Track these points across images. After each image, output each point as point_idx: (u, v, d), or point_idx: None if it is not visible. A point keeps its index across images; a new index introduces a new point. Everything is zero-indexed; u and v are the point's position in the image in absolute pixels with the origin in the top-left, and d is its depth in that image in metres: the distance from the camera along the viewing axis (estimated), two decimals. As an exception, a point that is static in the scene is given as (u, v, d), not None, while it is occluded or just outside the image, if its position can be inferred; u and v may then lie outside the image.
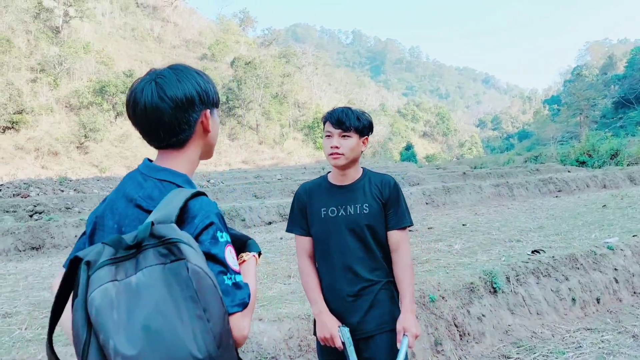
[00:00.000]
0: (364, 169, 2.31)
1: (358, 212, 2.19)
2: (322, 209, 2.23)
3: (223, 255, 1.16)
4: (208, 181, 21.07)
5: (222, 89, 55.83)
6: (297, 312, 3.51)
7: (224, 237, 1.19)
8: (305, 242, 2.32)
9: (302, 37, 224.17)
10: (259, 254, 1.45)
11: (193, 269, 1.04)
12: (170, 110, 1.26)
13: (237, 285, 1.16)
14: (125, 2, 69.29)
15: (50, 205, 12.74)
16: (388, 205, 2.23)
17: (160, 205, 1.18)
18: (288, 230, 2.36)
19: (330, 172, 2.34)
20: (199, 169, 39.54)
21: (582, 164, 27.36)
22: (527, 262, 5.02)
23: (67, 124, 42.03)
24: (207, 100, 1.33)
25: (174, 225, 1.11)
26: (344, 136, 2.15)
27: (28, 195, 15.64)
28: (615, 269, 5.42)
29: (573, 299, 4.92)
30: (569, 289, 4.95)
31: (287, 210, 9.29)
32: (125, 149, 43.97)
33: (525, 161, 35.03)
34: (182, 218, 1.18)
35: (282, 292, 4.76)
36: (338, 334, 2.14)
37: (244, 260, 1.37)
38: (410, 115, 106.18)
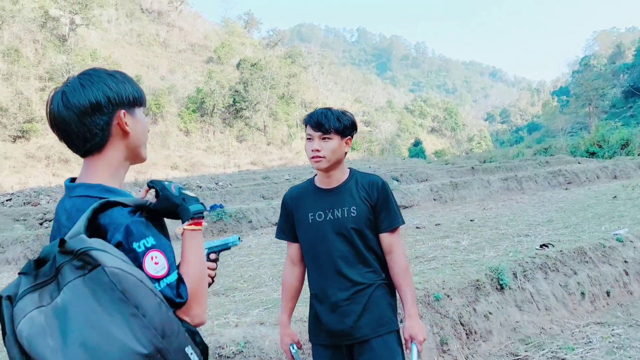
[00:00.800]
0: (351, 169, 2.27)
1: (345, 215, 2.14)
2: (310, 214, 2.19)
3: (142, 266, 1.15)
4: (217, 183, 21.09)
5: (229, 91, 55.97)
6: (300, 315, 3.48)
7: (141, 245, 1.16)
8: (292, 248, 2.31)
9: (307, 36, 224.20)
10: (196, 216, 1.28)
11: (112, 271, 1.02)
12: (76, 117, 1.25)
13: (170, 286, 1.16)
14: (131, 8, 69.67)
15: (60, 213, 12.81)
16: (378, 208, 2.17)
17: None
18: (277, 237, 2.35)
19: (316, 174, 2.29)
20: (209, 171, 39.65)
21: (593, 154, 27.08)
22: (534, 258, 4.96)
23: (76, 131, 42.24)
24: (120, 101, 1.30)
25: (83, 236, 1.08)
26: (325, 138, 2.10)
27: (38, 204, 15.78)
28: (626, 261, 5.33)
29: (582, 293, 4.85)
30: (578, 283, 4.88)
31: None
32: (134, 154, 44.15)
33: (535, 154, 34.72)
34: (99, 233, 1.16)
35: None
36: (289, 350, 2.21)
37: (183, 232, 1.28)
38: (417, 112, 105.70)
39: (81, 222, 1.13)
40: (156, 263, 1.17)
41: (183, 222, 1.28)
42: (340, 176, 2.21)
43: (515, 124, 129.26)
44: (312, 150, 2.11)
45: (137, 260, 1.14)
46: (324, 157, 2.10)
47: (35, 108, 39.17)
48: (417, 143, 68.60)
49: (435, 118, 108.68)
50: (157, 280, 1.15)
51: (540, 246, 6.23)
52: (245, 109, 57.64)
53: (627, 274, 5.24)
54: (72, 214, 1.23)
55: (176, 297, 1.16)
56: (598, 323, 4.45)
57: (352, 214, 2.13)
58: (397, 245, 2.18)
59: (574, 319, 4.59)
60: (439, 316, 3.90)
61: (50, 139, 38.76)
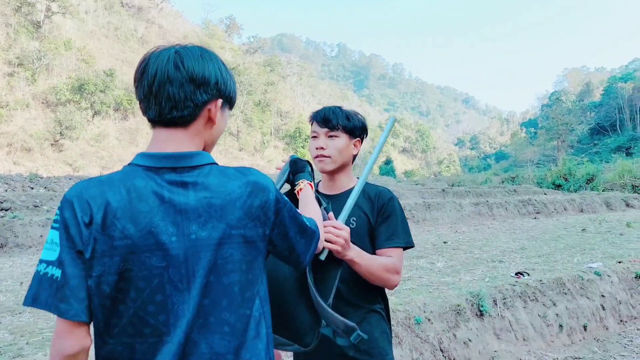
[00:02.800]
0: (359, 178, 1.94)
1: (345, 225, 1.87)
2: None
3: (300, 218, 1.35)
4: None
5: (204, 94, 55.36)
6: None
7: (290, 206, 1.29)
8: None
9: (287, 47, 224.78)
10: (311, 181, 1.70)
11: None
12: (181, 80, 1.14)
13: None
14: (110, 1, 68.41)
15: (18, 203, 12.20)
16: (378, 220, 1.87)
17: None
18: None
19: (320, 181, 2.05)
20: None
21: (559, 187, 27.67)
22: (514, 285, 4.83)
23: (42, 120, 40.99)
24: (223, 90, 1.22)
25: None
26: (331, 136, 1.87)
27: (-5, 191, 15.01)
28: (602, 296, 5.27)
29: (560, 325, 4.74)
30: (556, 314, 4.77)
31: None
32: (101, 149, 43.06)
33: (503, 182, 35.33)
34: (257, 188, 1.22)
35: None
36: None
37: (300, 189, 1.64)
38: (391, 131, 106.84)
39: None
40: (299, 213, 1.33)
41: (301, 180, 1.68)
42: (346, 182, 1.96)
43: (484, 151, 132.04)
44: (317, 149, 1.87)
45: (289, 213, 1.26)
46: (329, 157, 1.86)
47: (1, 93, 37.82)
48: (388, 162, 69.16)
49: (408, 139, 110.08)
50: (310, 220, 1.38)
51: (516, 274, 6.17)
52: (219, 113, 57.06)
53: (603, 308, 5.17)
54: (227, 172, 1.19)
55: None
56: (575, 358, 4.33)
57: (351, 224, 1.85)
58: (395, 264, 1.81)
59: (552, 351, 4.46)
60: (419, 340, 3.71)
61: (14, 126, 37.48)
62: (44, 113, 42.18)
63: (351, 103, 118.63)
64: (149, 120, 1.19)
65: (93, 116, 44.98)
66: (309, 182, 1.64)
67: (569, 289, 5.10)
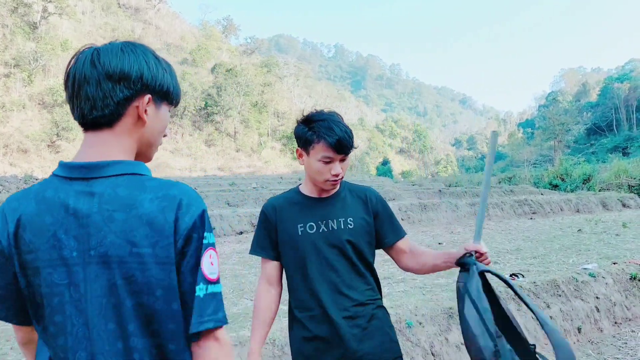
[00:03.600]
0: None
1: (342, 227, 1.89)
2: (299, 226, 1.91)
3: (199, 260, 1.07)
4: (181, 187, 20.49)
5: (202, 95, 55.30)
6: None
7: (208, 237, 1.11)
8: (270, 267, 1.99)
9: (284, 48, 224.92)
10: None
11: None
12: (97, 77, 1.06)
13: (214, 297, 1.09)
14: (107, 2, 68.29)
15: (11, 204, 12.13)
16: (379, 219, 1.98)
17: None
18: (252, 252, 2.02)
19: (300, 184, 2.04)
20: (174, 174, 38.80)
21: (555, 187, 27.65)
22: (507, 288, 4.78)
23: (39, 121, 40.86)
24: (152, 85, 1.11)
25: None
26: (343, 159, 1.88)
27: (-11, 193, 14.94)
28: (597, 297, 5.23)
29: (554, 328, 4.70)
30: (551, 317, 4.72)
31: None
32: (98, 150, 42.96)
33: (499, 182, 35.29)
34: (166, 202, 1.06)
35: (248, 310, 4.42)
36: None
37: None
38: (388, 131, 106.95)
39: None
40: (212, 263, 1.05)
41: None
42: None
43: (481, 151, 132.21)
44: (334, 175, 1.85)
45: (197, 252, 1.03)
46: (342, 178, 1.90)
47: (-2, 94, 37.69)
48: (385, 162, 69.32)
49: (405, 139, 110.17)
50: (209, 282, 1.03)
51: (510, 275, 6.12)
52: (216, 114, 57.02)
53: (598, 310, 5.13)
54: (120, 193, 1.02)
55: (218, 317, 1.04)
56: (569, 360, 4.29)
57: (348, 225, 1.90)
58: (415, 245, 2.04)
59: (546, 354, 4.41)
60: (409, 344, 3.66)
61: (10, 127, 37.35)
62: (40, 114, 42.04)
63: (348, 104, 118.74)
64: (79, 123, 1.11)
65: (89, 117, 44.88)
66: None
67: (563, 291, 5.06)
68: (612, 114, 77.55)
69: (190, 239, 1.02)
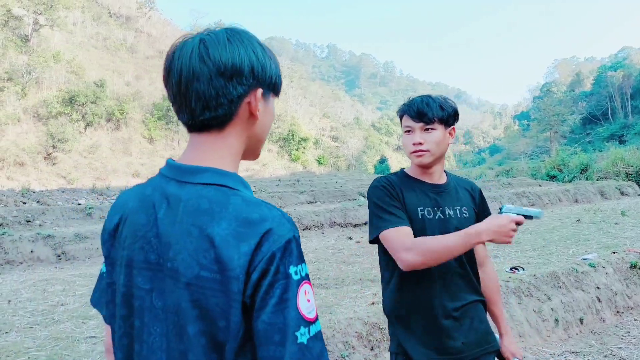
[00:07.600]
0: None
1: (458, 215, 1.84)
2: (419, 209, 1.82)
3: (296, 300, 0.91)
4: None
5: (196, 101, 55.26)
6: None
7: (298, 272, 0.92)
8: (408, 231, 1.75)
9: (277, 50, 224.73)
10: None
11: None
12: (209, 74, 0.95)
13: (317, 338, 0.93)
14: (98, 11, 68.21)
15: (10, 218, 12.08)
16: (480, 215, 1.91)
17: None
18: (382, 228, 1.76)
19: (404, 168, 1.98)
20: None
21: (553, 178, 27.71)
22: (507, 282, 4.79)
23: (34, 134, 40.77)
24: (262, 77, 1.01)
25: None
26: (427, 129, 1.82)
27: (-13, 208, 14.90)
28: (598, 287, 5.24)
29: (556, 320, 4.71)
30: (552, 309, 4.74)
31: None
32: (95, 160, 42.84)
33: (497, 175, 35.38)
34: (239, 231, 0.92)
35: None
36: None
37: None
38: (384, 129, 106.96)
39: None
40: (308, 300, 0.88)
41: None
42: (441, 172, 1.93)
43: (477, 145, 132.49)
44: (414, 144, 1.82)
45: (286, 290, 0.85)
46: (428, 151, 1.82)
47: (-8, 108, 37.60)
48: (383, 160, 69.34)
49: (401, 136, 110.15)
50: (310, 323, 0.86)
51: (511, 269, 6.13)
52: (212, 119, 56.94)
53: (599, 300, 5.15)
54: (201, 205, 0.92)
55: None
56: (573, 352, 4.30)
57: (464, 214, 1.86)
58: (488, 258, 2.02)
59: (548, 346, 4.43)
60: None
61: (5, 141, 37.29)
62: (35, 127, 41.94)
63: (343, 103, 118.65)
64: (184, 125, 1.03)
65: (85, 128, 44.75)
66: None
67: (563, 282, 5.07)
68: (607, 103, 77.65)
69: (267, 272, 0.85)
